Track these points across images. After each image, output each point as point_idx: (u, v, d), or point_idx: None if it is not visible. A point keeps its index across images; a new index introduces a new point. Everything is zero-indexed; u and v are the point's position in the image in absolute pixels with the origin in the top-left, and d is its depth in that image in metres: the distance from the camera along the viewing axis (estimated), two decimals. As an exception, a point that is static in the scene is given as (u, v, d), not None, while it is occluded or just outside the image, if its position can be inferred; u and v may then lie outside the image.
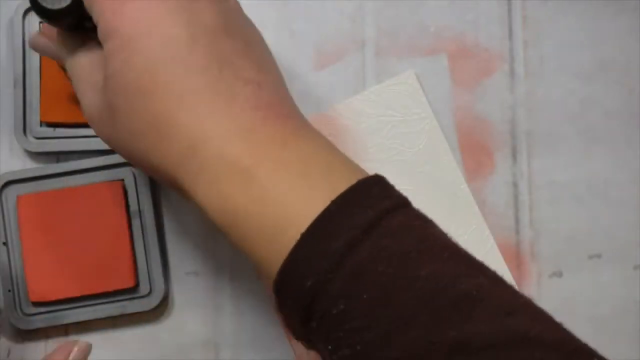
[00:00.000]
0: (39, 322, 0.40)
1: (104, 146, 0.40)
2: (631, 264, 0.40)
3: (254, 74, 0.30)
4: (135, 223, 0.40)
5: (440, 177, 0.41)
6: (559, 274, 0.40)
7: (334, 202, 0.27)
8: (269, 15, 0.42)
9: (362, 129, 0.41)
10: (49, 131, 0.40)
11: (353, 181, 0.28)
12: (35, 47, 0.36)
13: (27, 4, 0.40)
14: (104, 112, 0.31)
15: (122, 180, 0.40)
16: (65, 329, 0.41)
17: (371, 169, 0.41)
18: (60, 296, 0.39)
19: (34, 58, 0.41)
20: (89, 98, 0.32)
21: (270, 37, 0.42)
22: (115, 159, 0.40)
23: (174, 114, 0.29)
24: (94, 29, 0.31)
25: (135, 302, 0.40)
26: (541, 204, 0.41)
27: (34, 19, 0.41)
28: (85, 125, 0.40)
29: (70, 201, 0.39)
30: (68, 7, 0.31)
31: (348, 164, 0.30)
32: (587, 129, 0.41)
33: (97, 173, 0.40)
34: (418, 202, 0.41)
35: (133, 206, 0.40)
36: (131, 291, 0.40)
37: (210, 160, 0.28)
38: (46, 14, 0.32)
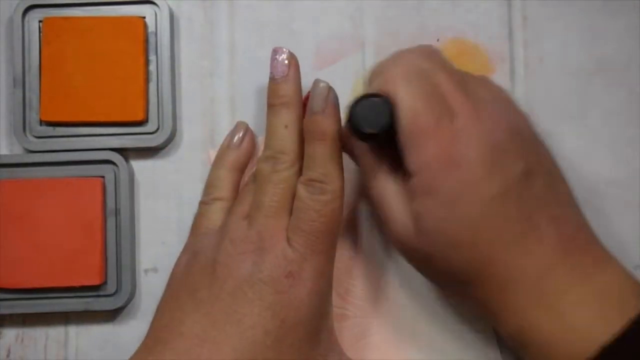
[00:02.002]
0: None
1: (104, 146, 0.40)
2: (631, 264, 0.40)
3: (556, 210, 0.33)
4: (110, 221, 0.40)
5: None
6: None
7: (630, 328, 0.30)
8: (269, 15, 0.42)
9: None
10: (49, 130, 0.40)
11: None
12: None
13: (27, 4, 0.40)
14: (415, 248, 0.34)
15: (103, 177, 0.40)
16: (24, 319, 0.41)
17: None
18: (25, 285, 0.39)
19: (33, 57, 0.41)
20: (395, 224, 0.34)
21: (270, 37, 0.42)
22: (99, 155, 0.40)
23: (493, 261, 0.32)
24: (398, 154, 0.33)
25: (100, 300, 0.40)
26: (541, 204, 0.41)
27: (33, 18, 0.41)
28: (85, 125, 0.41)
29: (47, 192, 0.39)
30: (381, 133, 0.33)
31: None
32: (587, 129, 0.41)
33: (80, 167, 0.40)
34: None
35: (110, 204, 0.40)
36: (97, 289, 0.40)
37: (522, 294, 0.32)
38: (362, 136, 0.34)
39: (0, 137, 0.42)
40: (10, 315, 0.40)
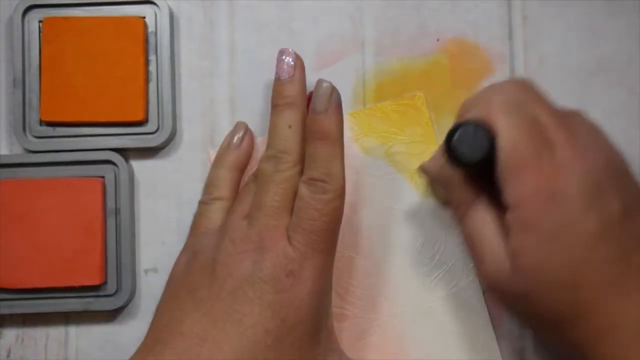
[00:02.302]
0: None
1: (104, 146, 0.40)
2: (631, 264, 0.40)
3: None
4: (110, 221, 0.40)
5: (434, 203, 0.41)
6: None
7: None
8: (269, 15, 0.42)
9: (363, 142, 0.41)
10: (49, 130, 0.40)
11: None
12: (425, 172, 0.37)
13: (27, 4, 0.40)
14: (509, 287, 0.33)
15: (103, 177, 0.40)
16: (24, 319, 0.41)
17: (365, 184, 0.41)
18: (26, 285, 0.39)
19: (33, 57, 0.41)
20: (490, 260, 0.33)
21: (270, 37, 0.42)
22: (99, 155, 0.40)
23: (592, 303, 0.31)
24: (494, 185, 0.32)
25: (100, 300, 0.40)
26: (541, 204, 0.41)
27: (33, 18, 0.41)
28: (85, 125, 0.41)
29: (47, 192, 0.39)
30: (481, 162, 0.32)
31: None
32: (587, 129, 0.41)
33: (80, 167, 0.40)
34: (409, 225, 0.41)
35: (110, 204, 0.40)
36: (97, 289, 0.40)
37: (624, 340, 0.31)
38: (459, 164, 0.33)
39: (0, 137, 0.42)
40: (11, 315, 0.40)
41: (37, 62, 0.40)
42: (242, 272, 0.34)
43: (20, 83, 0.40)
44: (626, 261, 0.31)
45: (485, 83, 0.41)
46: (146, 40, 0.41)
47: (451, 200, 0.36)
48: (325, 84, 0.36)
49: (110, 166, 0.40)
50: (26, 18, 0.41)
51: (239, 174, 0.40)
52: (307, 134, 0.36)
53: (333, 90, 0.36)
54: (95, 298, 0.40)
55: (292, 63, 0.38)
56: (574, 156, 0.32)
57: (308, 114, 0.36)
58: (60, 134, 0.40)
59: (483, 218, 0.34)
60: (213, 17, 0.42)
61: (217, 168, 0.39)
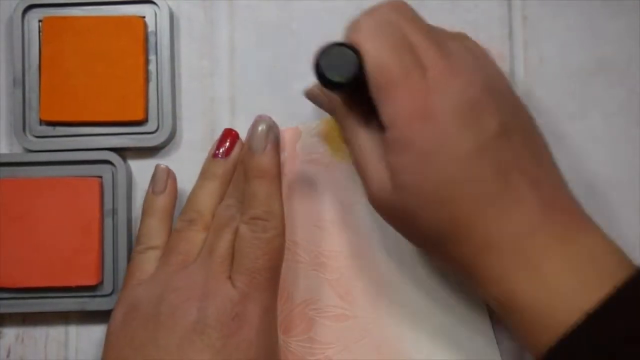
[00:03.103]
0: None
1: (104, 145, 0.40)
2: (631, 264, 0.40)
3: (534, 170, 0.32)
4: (108, 221, 0.40)
5: None
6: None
7: (614, 296, 0.29)
8: (269, 15, 0.42)
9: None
10: (49, 130, 0.40)
11: (631, 271, 0.31)
12: (310, 98, 0.38)
13: (27, 3, 0.40)
14: (392, 205, 0.33)
15: (101, 177, 0.40)
16: (23, 318, 0.41)
17: (359, 184, 0.41)
18: (23, 284, 0.39)
19: (33, 57, 0.41)
20: (372, 179, 0.34)
21: (270, 37, 0.42)
22: (97, 155, 0.40)
23: (471, 220, 0.31)
24: (372, 106, 0.32)
25: (97, 300, 0.40)
26: (541, 204, 0.41)
27: (33, 18, 0.41)
28: (85, 124, 0.41)
29: (46, 191, 0.39)
30: (349, 82, 0.32)
31: (622, 255, 0.32)
32: (587, 129, 0.41)
33: (78, 167, 0.40)
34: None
35: (107, 204, 0.40)
36: (94, 289, 0.40)
37: (503, 257, 0.31)
38: (329, 85, 0.33)
39: (0, 137, 0.42)
40: (10, 314, 0.40)
41: (37, 62, 0.40)
42: (188, 321, 0.33)
43: (20, 83, 0.40)
44: (503, 180, 0.31)
45: (485, 83, 0.41)
46: (146, 40, 0.41)
47: (339, 125, 0.36)
48: (262, 124, 0.36)
49: (108, 166, 0.40)
50: (26, 18, 0.41)
51: (169, 220, 0.39)
52: (245, 173, 0.36)
53: (270, 128, 0.36)
54: (92, 298, 0.40)
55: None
56: (446, 75, 0.32)
57: (244, 152, 0.37)
58: (60, 134, 0.40)
59: (366, 140, 0.34)
60: (213, 17, 0.42)
61: (148, 217, 0.39)
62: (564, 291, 0.30)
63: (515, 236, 0.31)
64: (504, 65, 0.41)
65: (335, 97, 0.35)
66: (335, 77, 0.32)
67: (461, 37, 0.35)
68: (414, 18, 0.34)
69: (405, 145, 0.32)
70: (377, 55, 0.32)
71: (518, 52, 0.42)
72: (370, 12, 0.33)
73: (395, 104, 0.32)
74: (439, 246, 0.33)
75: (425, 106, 0.31)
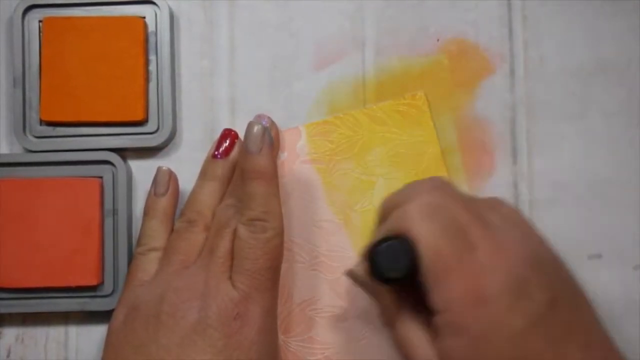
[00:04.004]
0: None
1: (104, 146, 0.40)
2: (631, 264, 0.40)
3: (583, 337, 0.32)
4: (108, 222, 0.40)
5: None
6: (559, 274, 0.40)
7: None
8: (269, 15, 0.42)
9: (363, 142, 0.41)
10: (49, 130, 0.40)
11: None
12: (352, 279, 0.36)
13: (27, 4, 0.40)
14: None
15: (101, 177, 0.40)
16: (23, 318, 0.41)
17: (366, 184, 0.41)
18: (23, 284, 0.39)
19: (33, 57, 0.41)
20: None
21: (270, 37, 0.42)
22: (97, 155, 0.40)
23: None
24: (420, 290, 0.32)
25: (97, 301, 0.40)
26: (541, 204, 0.41)
27: (33, 18, 0.41)
28: (85, 125, 0.41)
29: (46, 191, 0.39)
30: (405, 276, 0.32)
31: None
32: (587, 129, 0.41)
33: (78, 167, 0.40)
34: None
35: (108, 205, 0.40)
36: (94, 289, 0.40)
37: None
38: (384, 281, 0.33)
39: (0, 137, 0.42)
40: (10, 314, 0.40)
41: (37, 62, 0.40)
42: (189, 321, 0.33)
43: (20, 83, 0.40)
44: (556, 350, 0.31)
45: (485, 83, 0.41)
46: (146, 40, 0.41)
47: (378, 305, 0.36)
48: (257, 127, 0.37)
49: (108, 166, 0.40)
50: (26, 18, 0.41)
51: (171, 222, 0.39)
52: (242, 175, 0.36)
53: (265, 130, 0.37)
54: (92, 298, 0.40)
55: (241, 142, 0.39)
56: (492, 253, 0.32)
57: (240, 154, 0.37)
58: (60, 134, 0.40)
59: (410, 325, 0.34)
60: (213, 17, 0.42)
61: (150, 218, 0.39)
62: None
63: None
64: (504, 65, 0.41)
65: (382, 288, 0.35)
66: (392, 274, 0.32)
67: (499, 205, 0.35)
68: (456, 195, 0.34)
69: (458, 329, 0.31)
70: (432, 242, 0.32)
71: (518, 52, 0.42)
72: (416, 197, 0.33)
73: (449, 289, 0.31)
74: None
75: (478, 289, 0.31)
